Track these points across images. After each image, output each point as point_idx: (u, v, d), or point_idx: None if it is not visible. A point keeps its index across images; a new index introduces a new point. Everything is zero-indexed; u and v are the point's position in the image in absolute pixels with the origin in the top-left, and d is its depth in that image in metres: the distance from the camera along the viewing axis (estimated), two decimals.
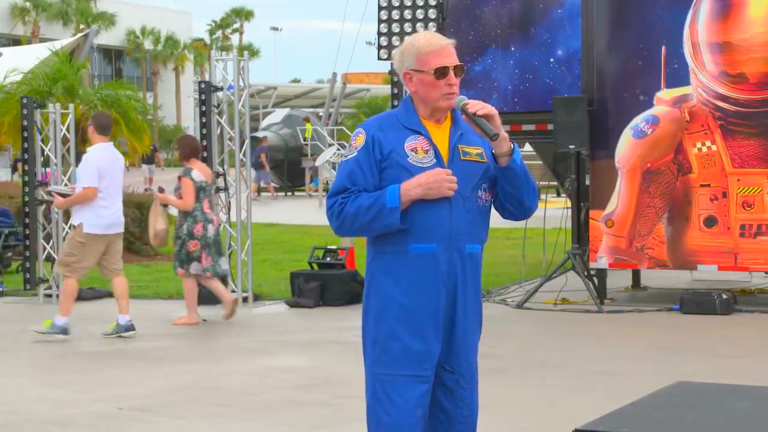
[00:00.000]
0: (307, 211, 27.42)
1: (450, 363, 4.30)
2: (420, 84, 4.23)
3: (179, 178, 10.99)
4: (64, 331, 10.16)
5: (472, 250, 4.27)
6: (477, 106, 4.17)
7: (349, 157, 4.23)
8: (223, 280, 11.54)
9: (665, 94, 11.65)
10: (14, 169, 35.26)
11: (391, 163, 4.19)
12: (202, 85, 12.42)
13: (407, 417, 4.20)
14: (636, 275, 13.17)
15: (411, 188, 4.14)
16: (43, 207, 12.89)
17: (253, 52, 76.29)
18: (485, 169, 4.27)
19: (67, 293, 10.25)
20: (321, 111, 44.78)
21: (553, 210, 13.93)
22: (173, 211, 11.41)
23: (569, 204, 12.88)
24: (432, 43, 4.23)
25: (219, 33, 79.06)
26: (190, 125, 63.36)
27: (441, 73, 4.19)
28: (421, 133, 4.23)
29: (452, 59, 4.22)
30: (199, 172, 10.95)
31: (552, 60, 13.53)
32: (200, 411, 7.44)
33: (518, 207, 4.33)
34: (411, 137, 4.22)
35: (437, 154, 4.22)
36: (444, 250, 4.21)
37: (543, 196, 18.80)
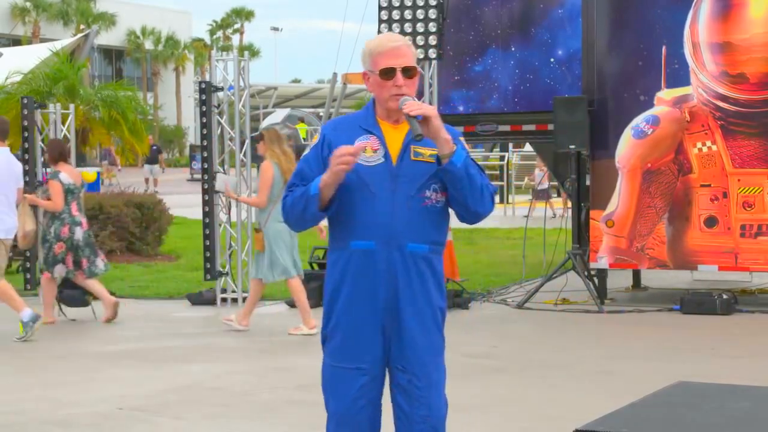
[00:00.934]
0: None
1: (402, 362, 4.34)
2: (373, 85, 4.33)
3: (47, 180, 11.06)
4: (35, 318, 10.16)
5: (415, 250, 4.30)
6: (411, 107, 4.21)
7: (304, 154, 4.42)
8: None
9: (665, 94, 11.65)
10: None
11: None
12: (203, 86, 12.42)
13: (348, 407, 4.34)
14: (636, 275, 13.17)
15: (324, 174, 4.24)
16: None
17: (254, 53, 76.23)
18: (436, 170, 4.28)
19: (6, 295, 10.25)
20: (321, 111, 44.77)
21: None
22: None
23: (569, 204, 12.88)
24: (382, 44, 4.31)
25: (219, 33, 79.03)
26: (191, 125, 63.36)
27: (386, 73, 4.27)
28: (374, 132, 4.32)
29: (401, 60, 4.28)
30: (67, 174, 11.04)
31: (552, 60, 13.55)
32: (201, 411, 7.45)
33: (464, 210, 4.34)
34: (363, 137, 4.32)
35: (386, 154, 4.29)
36: (383, 249, 4.28)
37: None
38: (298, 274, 10.59)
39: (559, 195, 25.91)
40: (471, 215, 4.35)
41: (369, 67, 4.32)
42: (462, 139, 4.42)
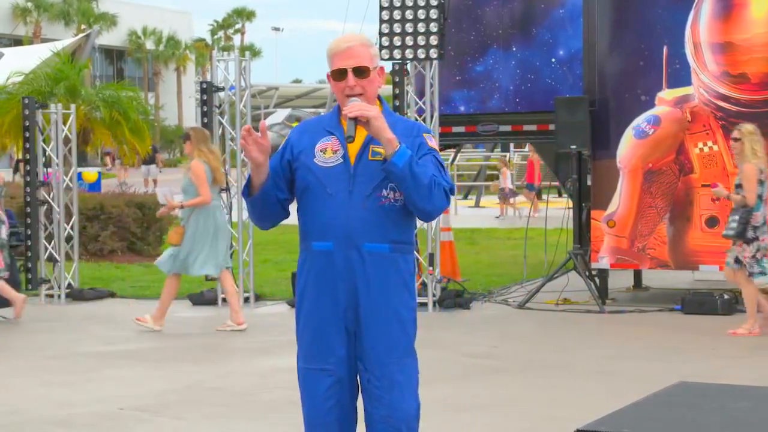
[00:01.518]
0: None
1: (364, 362, 4.36)
2: (332, 86, 4.37)
3: None
4: None
5: (373, 249, 4.30)
6: (350, 109, 4.24)
7: None
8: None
9: (667, 95, 11.64)
10: (16, 170, 35.25)
11: (299, 165, 4.37)
12: (204, 86, 12.41)
13: (317, 407, 4.39)
14: (637, 275, 13.16)
15: None
16: (45, 207, 12.89)
17: (255, 53, 76.09)
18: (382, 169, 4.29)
19: None
20: (322, 111, 44.79)
21: (555, 210, 13.91)
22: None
23: (570, 204, 12.88)
24: (336, 46, 4.34)
25: (220, 33, 79.04)
26: (192, 125, 63.23)
27: (337, 74, 4.31)
28: (335, 134, 4.35)
29: (351, 61, 4.30)
30: None
31: (553, 60, 13.54)
32: (201, 411, 7.44)
33: (414, 208, 4.31)
34: (325, 138, 4.35)
35: (345, 155, 4.31)
36: (340, 249, 4.30)
37: (544, 196, 18.75)
38: (209, 274, 10.90)
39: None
40: (420, 213, 4.32)
41: (329, 68, 4.36)
42: (427, 135, 4.38)
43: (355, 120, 4.21)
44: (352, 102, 4.26)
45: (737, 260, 10.05)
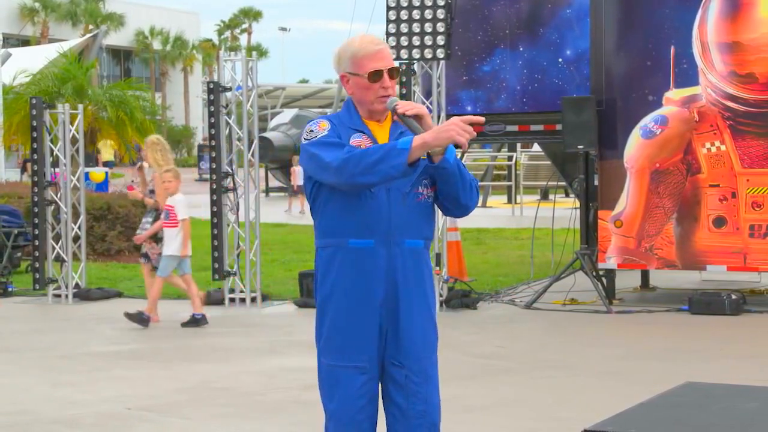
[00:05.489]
0: None
1: (399, 358, 4.34)
2: (356, 87, 4.33)
3: None
4: None
5: (412, 246, 4.33)
6: (406, 107, 4.24)
7: (320, 135, 4.26)
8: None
9: (674, 94, 11.63)
10: (23, 170, 35.29)
11: None
12: (211, 86, 12.43)
13: (349, 406, 4.33)
14: (645, 275, 13.15)
15: (425, 134, 4.11)
16: (52, 207, 12.92)
17: (262, 53, 76.28)
18: (426, 166, 4.28)
19: None
20: (329, 111, 44.78)
21: (562, 210, 13.91)
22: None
23: (578, 204, 12.88)
24: (366, 47, 4.32)
25: (227, 33, 79.12)
26: (199, 125, 63.43)
27: (375, 76, 4.29)
28: (364, 132, 4.34)
29: (386, 62, 4.32)
30: None
31: (560, 60, 13.55)
32: (208, 411, 7.45)
33: (455, 204, 4.35)
34: (356, 135, 4.33)
35: None
36: (383, 246, 4.29)
37: (551, 197, 18.78)
38: None
39: None
40: (461, 209, 4.37)
41: (350, 69, 4.32)
42: None
43: (412, 118, 4.21)
44: (396, 101, 4.26)
45: (146, 255, 11.42)
